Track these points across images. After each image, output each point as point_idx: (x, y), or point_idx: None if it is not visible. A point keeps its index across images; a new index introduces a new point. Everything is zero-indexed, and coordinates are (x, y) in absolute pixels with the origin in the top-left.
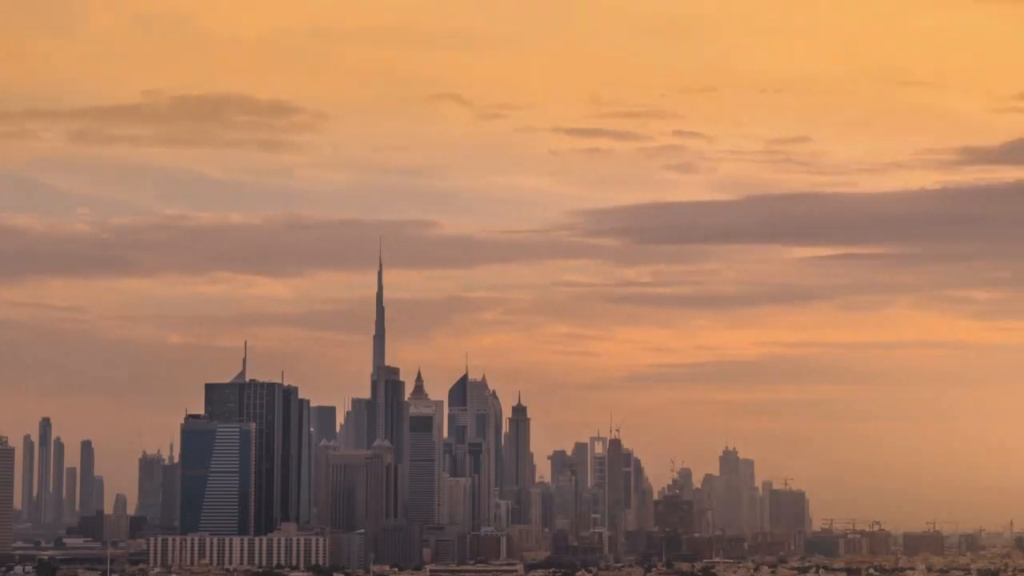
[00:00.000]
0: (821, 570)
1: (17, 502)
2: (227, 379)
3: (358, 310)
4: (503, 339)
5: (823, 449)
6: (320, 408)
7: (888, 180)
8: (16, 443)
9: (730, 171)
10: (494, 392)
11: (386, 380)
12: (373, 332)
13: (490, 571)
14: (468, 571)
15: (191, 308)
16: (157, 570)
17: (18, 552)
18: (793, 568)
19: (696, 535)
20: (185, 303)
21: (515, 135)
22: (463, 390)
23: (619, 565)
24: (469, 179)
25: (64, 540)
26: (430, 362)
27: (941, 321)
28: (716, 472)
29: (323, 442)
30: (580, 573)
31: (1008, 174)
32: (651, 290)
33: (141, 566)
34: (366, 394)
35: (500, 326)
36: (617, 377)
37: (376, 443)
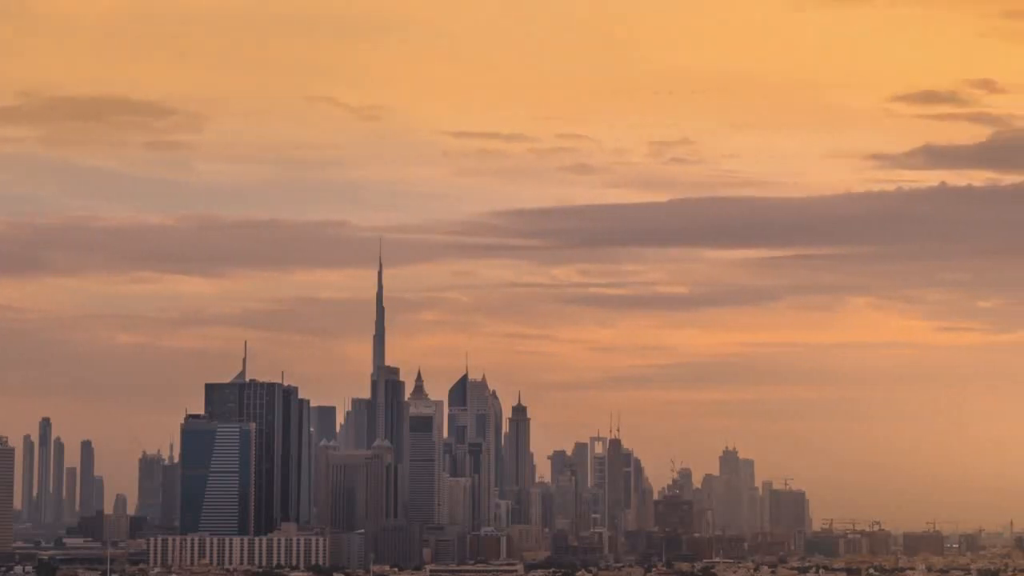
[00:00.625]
0: (821, 570)
1: (17, 502)
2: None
3: (300, 309)
4: (450, 339)
5: (823, 449)
6: (320, 408)
7: (804, 182)
8: (16, 443)
9: (629, 172)
10: (494, 392)
11: (386, 380)
12: (373, 332)
13: (490, 571)
14: (468, 571)
15: (126, 308)
16: (157, 570)
17: (18, 552)
18: (793, 568)
19: (696, 535)
20: (118, 303)
21: (400, 136)
22: (463, 390)
23: (619, 565)
24: (368, 179)
25: (64, 540)
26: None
27: (900, 321)
28: (716, 472)
29: (323, 442)
30: (580, 573)
31: (923, 178)
32: (596, 291)
33: (141, 566)
34: (366, 394)
35: (443, 326)
36: (592, 379)
37: (376, 443)
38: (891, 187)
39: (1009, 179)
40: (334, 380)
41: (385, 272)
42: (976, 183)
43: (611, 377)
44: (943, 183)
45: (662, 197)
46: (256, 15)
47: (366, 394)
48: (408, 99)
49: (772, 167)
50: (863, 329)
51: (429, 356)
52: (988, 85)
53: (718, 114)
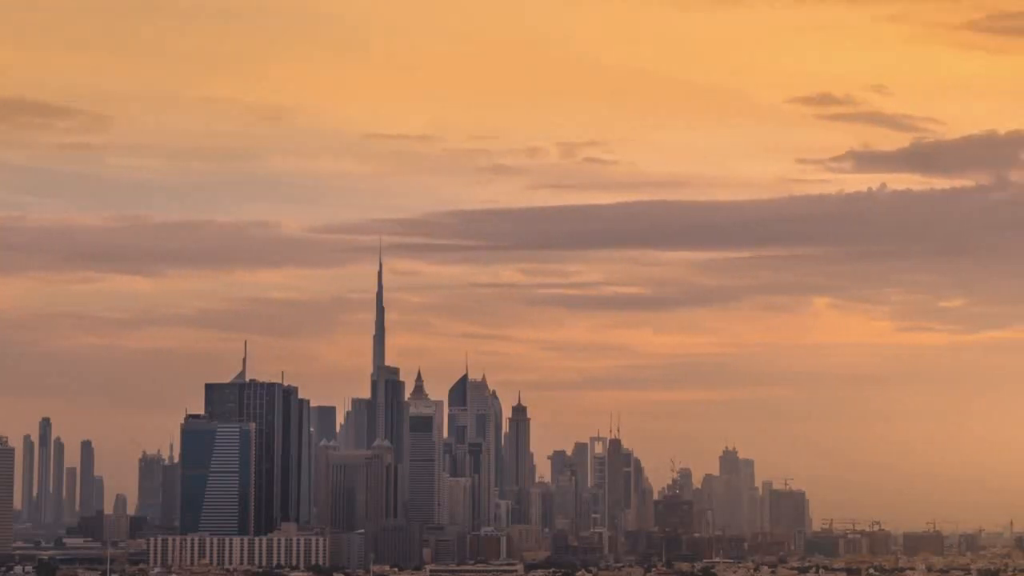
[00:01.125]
0: (821, 570)
1: (17, 502)
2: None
3: (258, 311)
4: (412, 340)
5: (823, 449)
6: (320, 408)
7: (734, 183)
8: (16, 443)
9: (552, 173)
10: (494, 392)
11: (386, 380)
12: (373, 332)
13: (490, 571)
14: (468, 571)
15: (80, 307)
16: (157, 570)
17: (18, 552)
18: (793, 568)
19: (696, 535)
20: (69, 302)
21: (311, 137)
22: (463, 390)
23: (619, 565)
24: (288, 178)
25: (64, 540)
26: (337, 364)
27: (867, 322)
28: (716, 472)
29: (323, 442)
30: (580, 573)
31: (859, 181)
32: (550, 291)
33: (141, 566)
34: (366, 394)
35: (403, 327)
36: (567, 379)
37: (376, 443)
38: (833, 189)
39: (939, 183)
40: (308, 380)
41: (326, 272)
42: (914, 187)
43: (587, 378)
44: (884, 185)
45: (593, 198)
46: (149, 10)
47: (366, 394)
48: (310, 100)
49: (693, 168)
50: (832, 330)
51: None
52: (879, 88)
53: (624, 113)
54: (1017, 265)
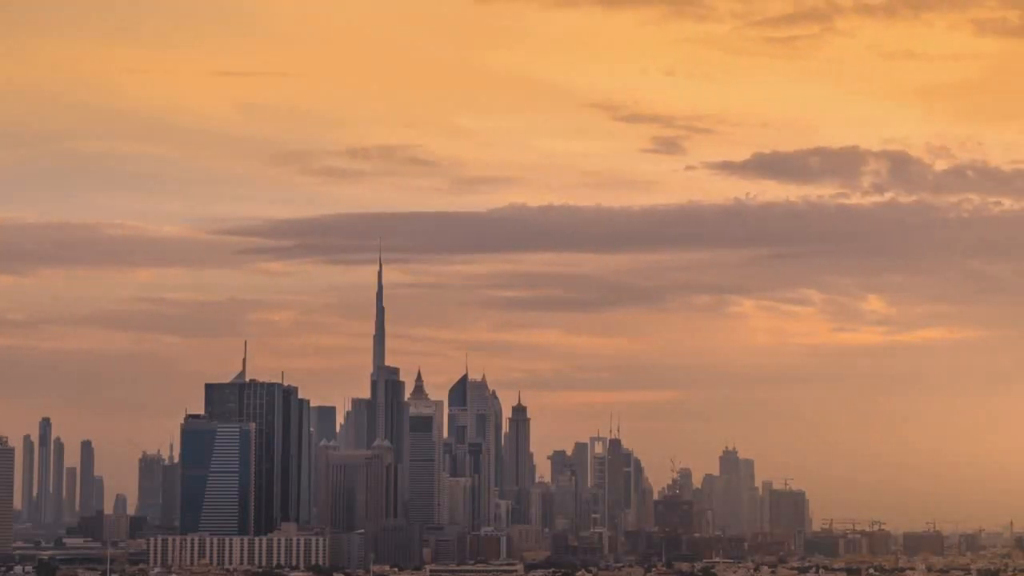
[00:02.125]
0: (821, 570)
1: (17, 502)
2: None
3: (159, 311)
4: (313, 340)
5: (823, 449)
6: (320, 408)
7: (580, 187)
8: (16, 443)
9: (393, 174)
10: (494, 392)
11: (386, 380)
12: (373, 332)
13: (490, 571)
14: (468, 571)
15: None
16: (157, 570)
17: (18, 552)
18: (793, 568)
19: (696, 535)
20: None
21: (125, 125)
22: (463, 390)
23: (619, 565)
24: (129, 171)
25: (64, 540)
26: (288, 366)
27: (790, 323)
28: (716, 472)
29: (323, 442)
30: (580, 573)
31: (721, 187)
32: (444, 292)
33: (141, 566)
34: (366, 394)
35: (303, 328)
36: (516, 379)
37: (376, 443)
38: (699, 196)
39: (811, 191)
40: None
41: (215, 273)
42: (791, 196)
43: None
44: (764, 191)
45: (463, 203)
46: None
47: (366, 394)
48: (110, 87)
49: (525, 166)
50: (768, 331)
51: (297, 356)
52: (662, 93)
53: (435, 110)
54: (919, 264)
